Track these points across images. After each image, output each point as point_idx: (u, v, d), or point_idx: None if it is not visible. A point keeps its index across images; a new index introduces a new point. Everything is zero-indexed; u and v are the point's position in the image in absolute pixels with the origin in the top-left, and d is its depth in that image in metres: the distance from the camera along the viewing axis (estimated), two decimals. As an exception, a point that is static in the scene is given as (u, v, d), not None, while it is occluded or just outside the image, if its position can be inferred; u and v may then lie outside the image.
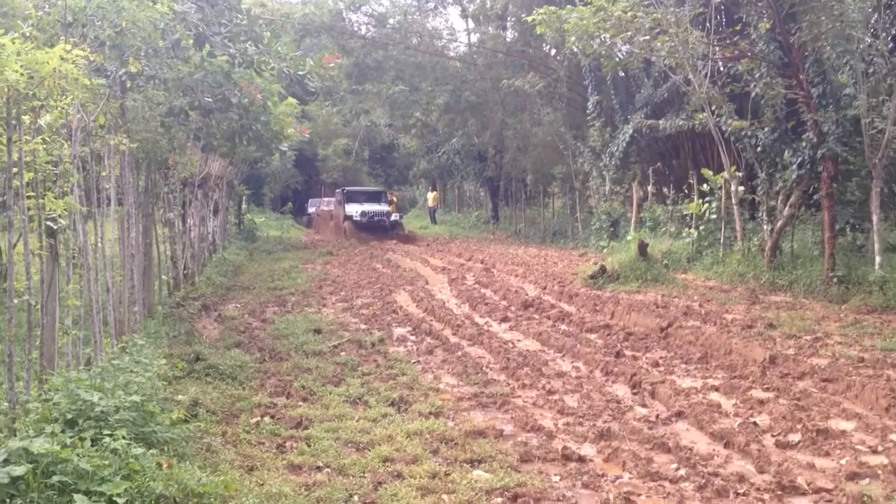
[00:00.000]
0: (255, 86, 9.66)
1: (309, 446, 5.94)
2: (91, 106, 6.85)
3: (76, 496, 3.95)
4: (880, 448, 5.89)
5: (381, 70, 30.11)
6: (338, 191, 33.73)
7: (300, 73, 9.78)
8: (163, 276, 11.79)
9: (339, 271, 19.48)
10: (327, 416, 6.78)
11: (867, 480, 5.22)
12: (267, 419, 6.65)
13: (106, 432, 4.59)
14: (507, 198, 37.02)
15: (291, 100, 15.51)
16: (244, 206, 29.06)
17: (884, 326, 10.50)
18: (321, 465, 5.56)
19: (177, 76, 9.04)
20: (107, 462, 4.25)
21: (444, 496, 4.94)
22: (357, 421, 6.61)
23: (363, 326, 11.56)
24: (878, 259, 12.79)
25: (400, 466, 5.48)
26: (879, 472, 5.35)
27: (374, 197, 32.91)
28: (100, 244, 7.22)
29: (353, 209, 30.41)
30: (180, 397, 6.52)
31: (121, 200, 8.46)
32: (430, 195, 42.05)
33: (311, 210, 42.32)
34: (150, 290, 10.49)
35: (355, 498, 4.93)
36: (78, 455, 4.20)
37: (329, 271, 19.35)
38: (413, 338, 10.86)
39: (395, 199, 42.73)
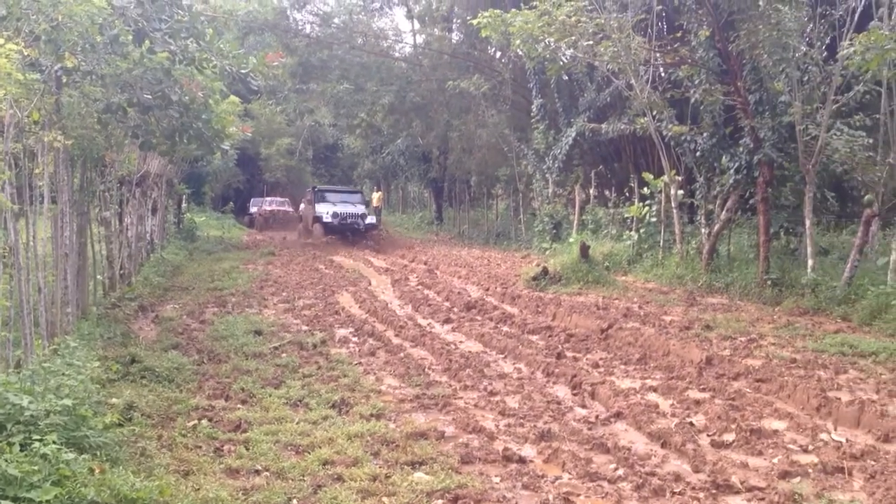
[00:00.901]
0: (196, 83, 9.48)
1: (247, 450, 5.85)
2: (25, 101, 6.64)
3: (4, 503, 3.82)
4: (811, 447, 6.06)
5: (326, 69, 29.90)
6: (309, 189, 31.88)
7: (243, 71, 9.61)
8: (98, 277, 11.49)
9: (281, 272, 19.25)
10: (267, 418, 6.69)
11: (798, 479, 5.37)
12: (204, 422, 6.51)
13: (35, 437, 4.45)
14: (451, 199, 37.13)
15: (234, 98, 15.27)
16: (184, 205, 28.43)
17: (815, 328, 10.82)
18: (260, 468, 5.47)
19: (115, 72, 8.81)
20: (36, 468, 4.12)
21: (385, 499, 4.92)
22: (297, 423, 6.53)
23: (305, 328, 11.44)
24: (810, 262, 13.17)
25: (340, 469, 5.43)
26: (810, 470, 5.50)
27: (349, 197, 30.52)
28: (32, 243, 7.01)
29: (324, 209, 28.17)
30: (114, 401, 6.35)
31: (54, 198, 8.22)
32: (375, 195, 41.89)
33: (252, 209, 41.81)
34: (85, 290, 10.22)
35: (294, 502, 4.87)
36: (6, 461, 4.06)
37: (271, 272, 19.10)
38: (355, 339, 10.79)
39: None
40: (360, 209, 28.79)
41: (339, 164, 55.15)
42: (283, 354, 9.37)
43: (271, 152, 45.65)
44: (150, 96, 9.02)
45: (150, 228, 18.06)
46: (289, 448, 5.95)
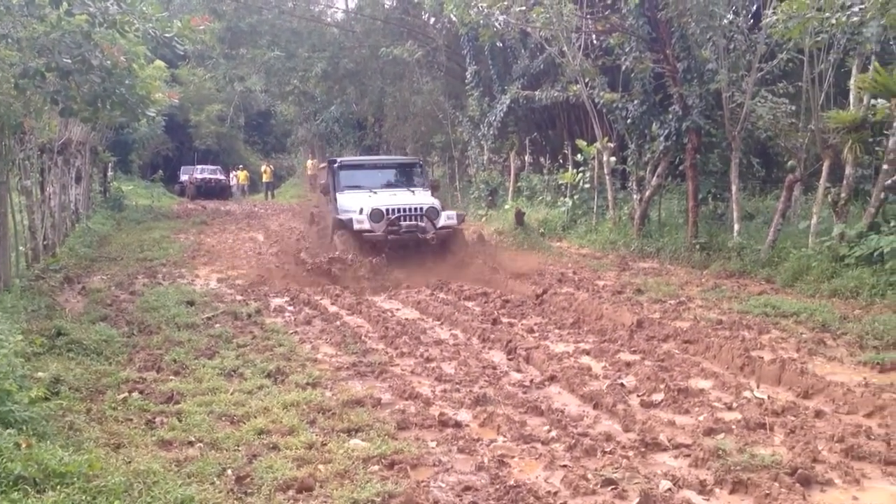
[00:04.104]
0: (117, 47, 9.16)
1: (180, 421, 5.77)
2: (-67, 65, 6.34)
3: (-76, 482, 3.71)
4: (735, 405, 6.27)
5: (256, 35, 29.16)
6: (324, 164, 18.52)
7: (167, 35, 9.29)
8: (20, 248, 11.13)
9: (214, 241, 18.94)
10: (200, 389, 6.60)
11: (722, 435, 5.55)
12: (135, 395, 6.40)
13: (-44, 414, 4.33)
14: (387, 167, 36.85)
15: (160, 63, 14.81)
16: (110, 173, 27.62)
17: (740, 290, 11.15)
18: (193, 439, 5.40)
19: (32, 35, 8.46)
20: (-42, 445, 4.00)
21: (321, 466, 4.92)
22: (231, 394, 6.47)
23: (239, 297, 11.29)
24: (736, 227, 13.53)
25: (276, 438, 5.40)
26: (733, 427, 5.69)
27: (399, 175, 15.95)
28: (-54, 214, 6.74)
29: (353, 204, 14.31)
30: (40, 374, 6.19)
31: (-30, 167, 7.91)
32: (310, 164, 41.33)
33: (183, 178, 40.94)
34: (6, 262, 9.88)
35: (228, 472, 4.83)
36: (-74, 439, 3.94)
37: (203, 241, 18.78)
38: (291, 308, 10.71)
39: (269, 168, 41.81)
40: (423, 198, 14.54)
41: (273, 131, 54.27)
42: (217, 325, 9.24)
43: (201, 119, 44.70)
44: (69, 60, 8.68)
45: (75, 198, 17.54)
46: (223, 419, 5.89)
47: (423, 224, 13.69)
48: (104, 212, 22.91)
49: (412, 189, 14.99)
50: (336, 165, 15.40)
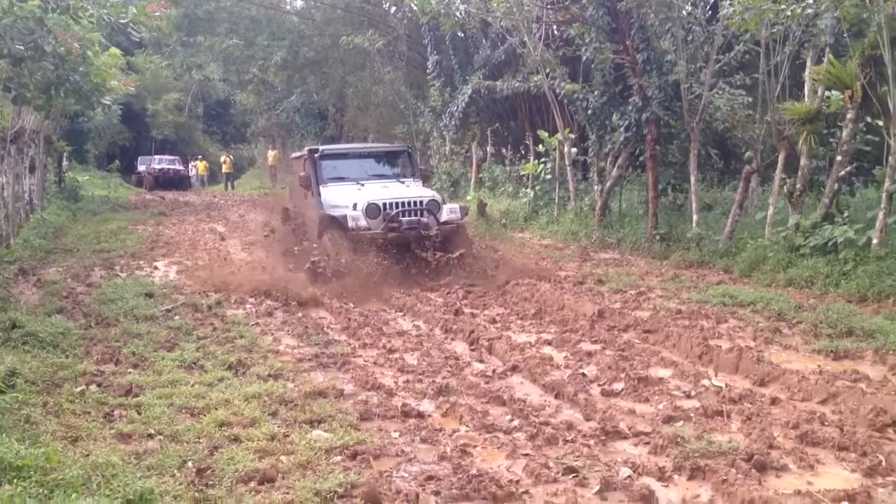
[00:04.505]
0: (71, 34, 8.98)
1: (139, 414, 5.69)
2: None
3: None
4: (693, 393, 6.36)
5: (214, 22, 28.76)
6: (298, 154, 16.13)
7: (122, 21, 9.15)
8: (-28, 239, 10.88)
9: (174, 232, 18.68)
10: (160, 382, 6.51)
11: (681, 423, 5.62)
12: (93, 387, 6.30)
13: None
14: (349, 157, 36.62)
15: (115, 50, 14.47)
16: (65, 163, 27.03)
17: (699, 280, 11.31)
18: (153, 432, 5.33)
19: (-18, 21, 8.27)
20: None
21: (283, 457, 4.89)
22: (192, 386, 6.39)
23: (199, 289, 11.15)
24: (695, 217, 13.71)
25: (237, 430, 5.35)
26: (692, 414, 5.77)
27: (384, 164, 14.36)
28: None
29: (344, 198, 12.56)
30: (-6, 368, 6.07)
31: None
32: (271, 154, 40.92)
33: (140, 168, 40.34)
34: (-42, 254, 9.65)
35: (189, 464, 4.78)
36: None
37: (162, 232, 18.51)
38: (252, 299, 10.60)
39: (229, 159, 41.35)
40: (421, 190, 13.03)
41: (232, 121, 53.64)
42: (177, 317, 9.12)
43: (158, 108, 44.02)
44: (21, 47, 8.49)
45: (29, 188, 17.18)
46: (183, 411, 5.82)
47: (425, 219, 12.00)
48: (59, 202, 22.46)
49: (403, 180, 13.48)
50: (317, 155, 13.52)
